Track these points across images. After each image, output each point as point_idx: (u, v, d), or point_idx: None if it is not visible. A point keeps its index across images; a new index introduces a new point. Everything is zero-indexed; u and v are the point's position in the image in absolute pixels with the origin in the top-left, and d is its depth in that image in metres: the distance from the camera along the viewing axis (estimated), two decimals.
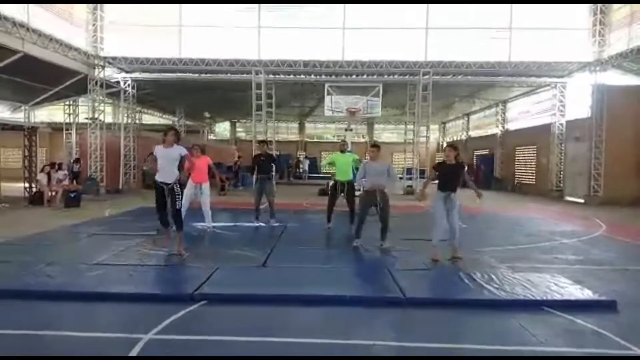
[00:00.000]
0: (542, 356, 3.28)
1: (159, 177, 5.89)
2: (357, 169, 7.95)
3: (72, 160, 17.20)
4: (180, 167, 6.00)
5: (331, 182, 8.75)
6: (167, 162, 5.84)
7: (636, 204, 13.82)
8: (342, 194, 8.21)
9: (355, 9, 16.56)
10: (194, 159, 7.70)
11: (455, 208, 5.97)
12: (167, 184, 5.85)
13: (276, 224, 8.70)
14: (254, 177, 9.00)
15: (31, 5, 12.80)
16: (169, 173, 5.86)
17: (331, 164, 8.64)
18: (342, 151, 8.56)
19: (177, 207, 5.93)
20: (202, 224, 8.23)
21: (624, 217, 11.47)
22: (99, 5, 16.24)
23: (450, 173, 5.98)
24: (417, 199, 6.77)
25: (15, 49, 12.07)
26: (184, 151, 5.95)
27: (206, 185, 8.11)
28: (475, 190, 6.34)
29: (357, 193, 8.14)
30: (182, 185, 6.25)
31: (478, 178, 23.86)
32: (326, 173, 29.30)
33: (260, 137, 17.77)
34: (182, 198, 6.08)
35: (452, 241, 6.02)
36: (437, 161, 26.71)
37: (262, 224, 8.73)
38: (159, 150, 5.91)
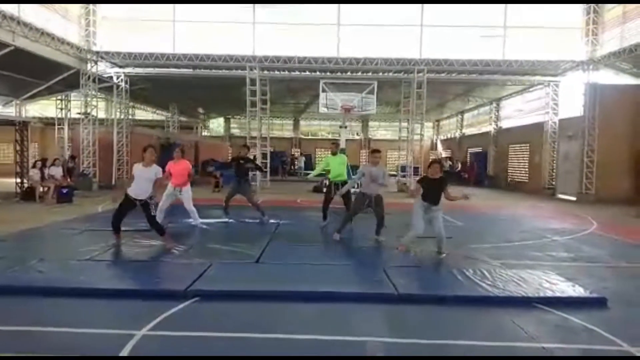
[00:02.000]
0: (534, 355, 3.30)
1: (132, 192, 6.11)
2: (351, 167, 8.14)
3: (67, 158, 17.08)
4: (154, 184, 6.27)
5: (326, 182, 8.78)
6: (142, 180, 6.10)
7: (628, 202, 13.97)
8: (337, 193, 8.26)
9: (351, 6, 16.54)
10: (174, 163, 7.81)
11: (438, 218, 6.18)
12: (140, 201, 6.09)
13: (269, 221, 8.69)
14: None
15: None
16: (143, 190, 6.11)
17: (326, 168, 8.66)
18: (334, 153, 8.60)
19: (152, 214, 6.18)
20: (190, 220, 8.21)
21: (616, 215, 11.58)
22: None
23: (432, 187, 6.17)
24: (410, 195, 7.05)
25: (6, 42, 11.91)
26: (159, 172, 6.24)
27: (186, 189, 8.04)
28: (459, 197, 6.43)
29: (352, 190, 8.24)
30: (155, 205, 6.49)
31: (472, 176, 24.04)
32: (321, 171, 29.31)
33: (255, 134, 17.77)
34: (155, 208, 6.37)
35: (439, 245, 6.23)
36: (430, 157, 26.59)
37: (231, 220, 8.75)
38: (137, 169, 6.18)
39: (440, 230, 6.15)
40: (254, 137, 17.76)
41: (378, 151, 7.31)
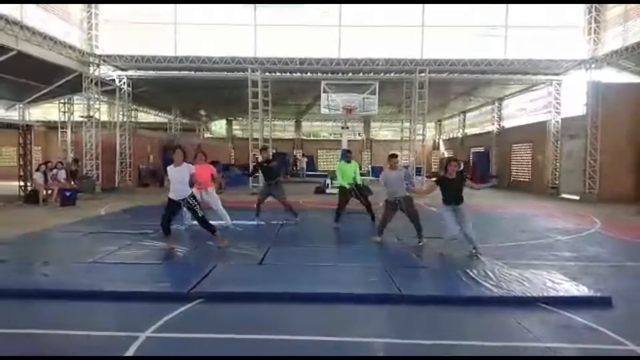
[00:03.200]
0: (539, 355, 3.29)
1: (173, 196, 6.30)
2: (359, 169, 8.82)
3: (70, 161, 17.16)
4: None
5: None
6: (176, 181, 6.26)
7: (631, 200, 13.90)
8: (353, 197, 8.52)
9: (352, 6, 16.56)
10: (197, 165, 7.77)
11: (466, 217, 6.13)
12: (183, 199, 6.26)
13: (296, 219, 8.84)
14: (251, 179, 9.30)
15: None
16: (182, 190, 6.27)
17: (338, 172, 8.86)
18: (349, 161, 8.78)
19: (200, 215, 6.34)
20: (220, 222, 8.19)
21: (619, 214, 11.52)
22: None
23: (454, 188, 6.13)
24: (417, 193, 7.25)
25: (9, 46, 11.98)
26: (192, 168, 6.38)
27: (211, 189, 8.18)
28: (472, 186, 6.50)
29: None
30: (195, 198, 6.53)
31: (474, 175, 23.99)
32: (323, 171, 29.35)
33: (257, 135, 17.76)
34: (200, 207, 6.42)
35: (473, 244, 6.19)
36: (433, 162, 26.38)
37: (261, 222, 8.74)
38: (170, 171, 6.34)
39: (470, 233, 6.08)
40: (256, 139, 17.77)
41: (395, 155, 7.29)
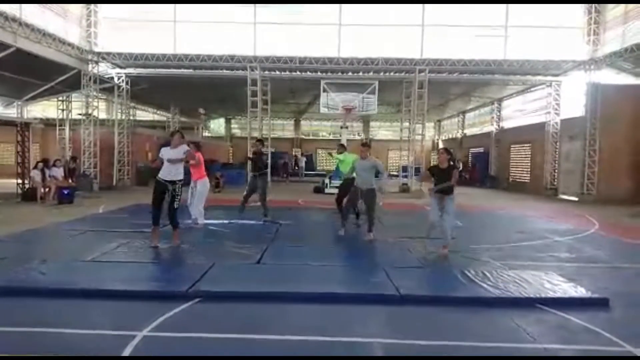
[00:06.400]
0: (536, 356, 3.30)
1: (163, 176, 6.11)
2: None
3: (68, 158, 17.12)
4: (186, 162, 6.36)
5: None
6: (170, 162, 6.09)
7: (630, 202, 13.93)
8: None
9: (352, 5, 16.54)
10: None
11: (449, 209, 6.12)
12: (173, 182, 6.08)
13: (274, 222, 8.69)
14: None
15: None
16: (174, 172, 6.12)
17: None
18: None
19: (175, 206, 6.16)
20: (189, 222, 8.12)
21: (617, 215, 11.55)
22: None
23: (441, 177, 6.14)
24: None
25: (8, 43, 11.93)
26: (186, 150, 6.26)
27: (201, 182, 8.12)
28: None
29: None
30: (184, 186, 6.42)
31: (473, 176, 24.01)
32: (322, 170, 29.37)
33: (256, 134, 17.75)
34: (180, 200, 6.25)
35: (444, 238, 6.23)
36: (432, 162, 26.53)
37: (245, 221, 8.73)
38: (165, 151, 6.19)
39: (444, 223, 6.09)
40: (255, 138, 17.74)
41: (365, 144, 7.50)
